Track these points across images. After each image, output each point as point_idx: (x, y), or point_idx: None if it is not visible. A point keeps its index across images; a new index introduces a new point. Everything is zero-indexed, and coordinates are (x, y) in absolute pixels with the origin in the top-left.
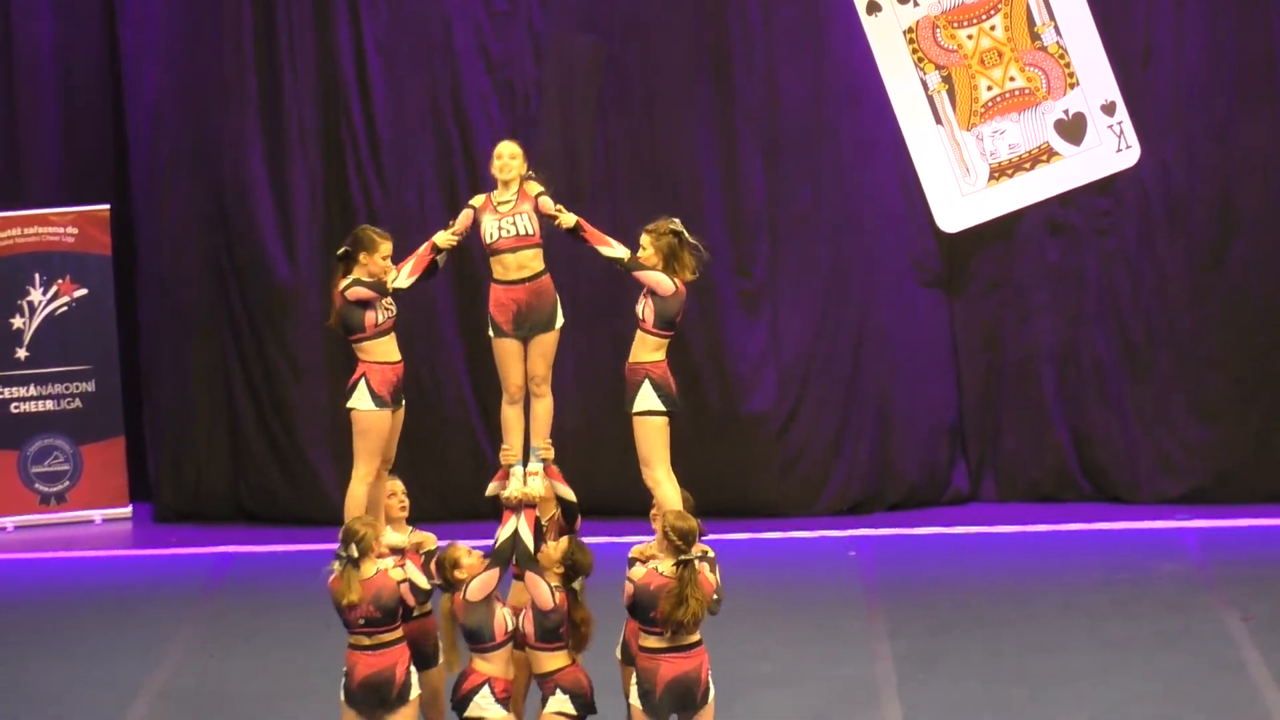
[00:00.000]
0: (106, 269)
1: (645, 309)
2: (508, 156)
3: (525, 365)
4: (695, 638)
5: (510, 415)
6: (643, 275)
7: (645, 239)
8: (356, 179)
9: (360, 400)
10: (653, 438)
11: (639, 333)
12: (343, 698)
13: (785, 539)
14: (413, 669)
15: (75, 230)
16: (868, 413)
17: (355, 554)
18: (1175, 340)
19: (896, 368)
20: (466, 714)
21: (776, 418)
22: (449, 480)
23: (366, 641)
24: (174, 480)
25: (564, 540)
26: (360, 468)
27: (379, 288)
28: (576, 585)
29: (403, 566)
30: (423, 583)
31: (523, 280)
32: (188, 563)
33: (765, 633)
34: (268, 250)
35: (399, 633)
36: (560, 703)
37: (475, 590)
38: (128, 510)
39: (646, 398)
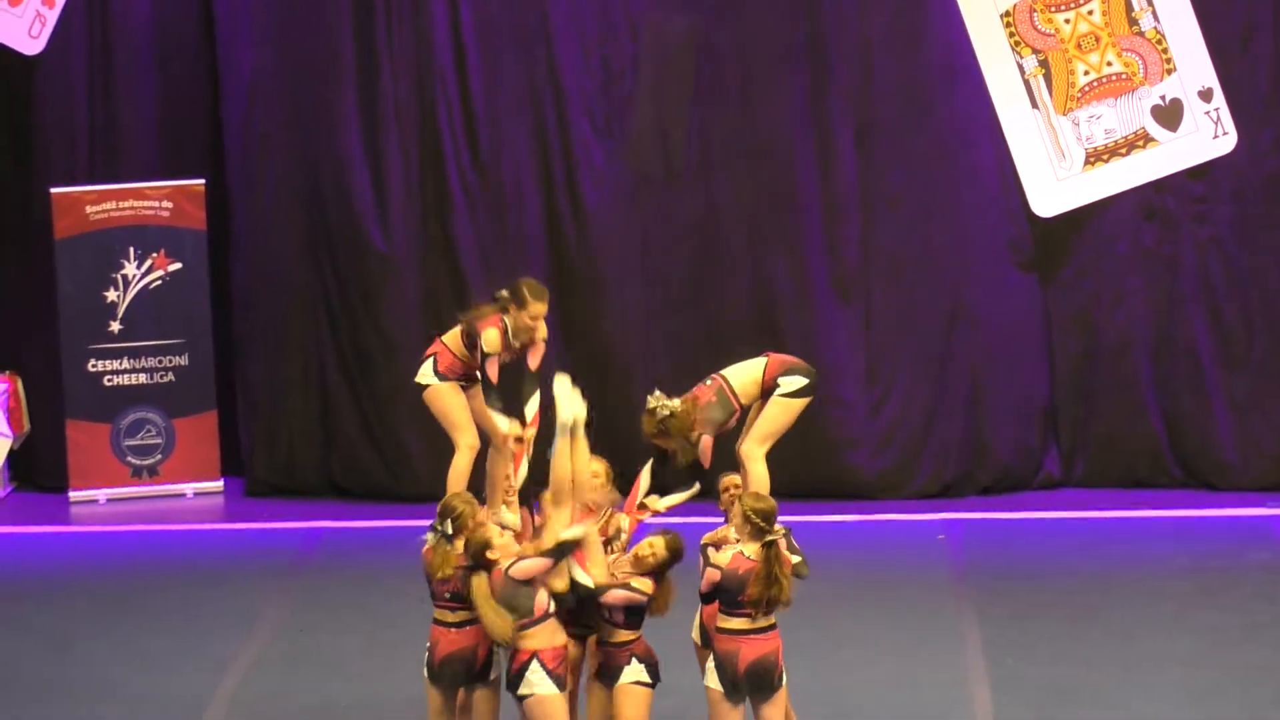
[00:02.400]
0: (201, 243)
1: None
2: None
3: None
4: (772, 620)
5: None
6: (703, 456)
7: (659, 441)
8: (452, 157)
9: (425, 376)
10: (783, 418)
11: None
12: (425, 675)
13: (875, 521)
14: (496, 648)
15: (170, 205)
16: (959, 396)
17: (450, 530)
18: (1270, 327)
19: (989, 351)
20: (519, 691)
21: (868, 400)
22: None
23: (451, 618)
24: (266, 454)
25: (660, 544)
26: (459, 440)
27: (484, 388)
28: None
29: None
30: (585, 580)
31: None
32: (279, 537)
33: (853, 615)
34: (362, 227)
35: None
36: (637, 671)
37: (523, 571)
38: (219, 484)
39: (790, 382)
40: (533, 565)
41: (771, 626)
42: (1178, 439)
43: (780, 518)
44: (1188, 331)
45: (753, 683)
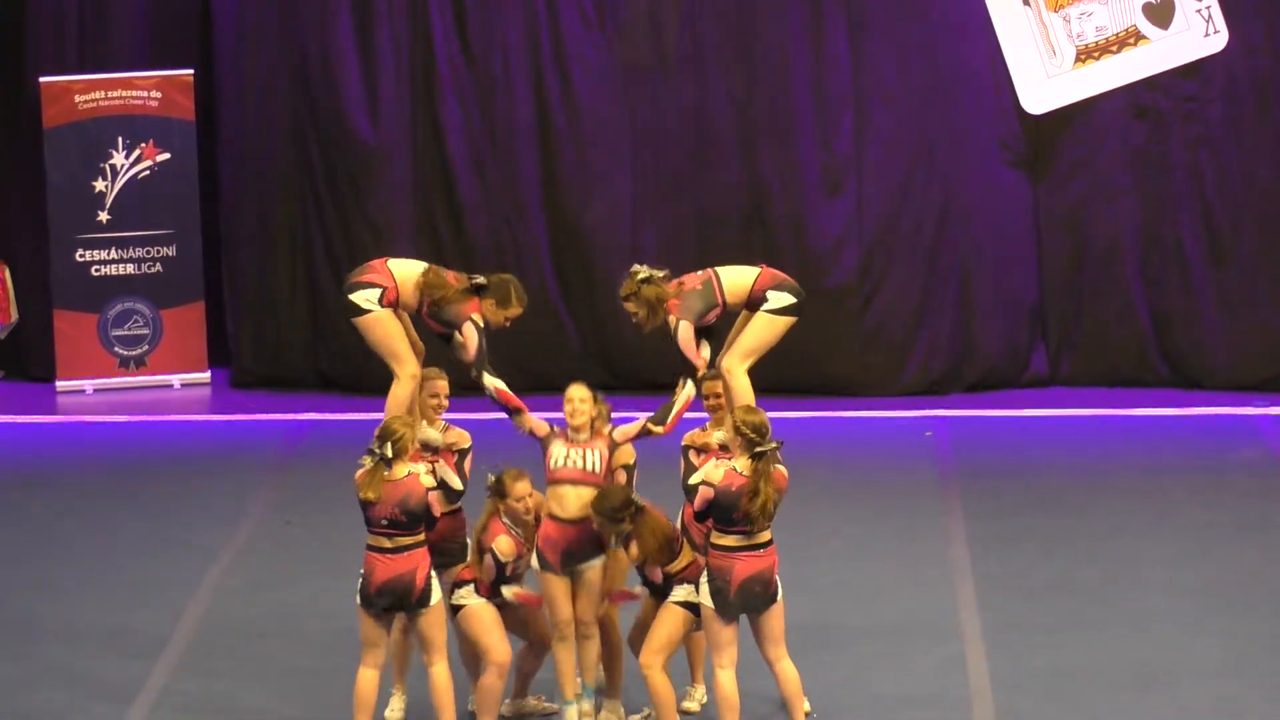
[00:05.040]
0: (190, 134)
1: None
2: (578, 401)
3: (573, 603)
4: (767, 536)
5: (561, 654)
6: (683, 346)
7: (629, 306)
8: (443, 47)
9: (367, 301)
10: (766, 333)
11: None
12: (358, 601)
13: (862, 417)
14: (434, 574)
15: (159, 95)
16: (949, 292)
17: (390, 454)
18: (1259, 225)
19: (979, 248)
20: (452, 602)
21: (858, 294)
22: (527, 351)
23: (386, 544)
24: (253, 346)
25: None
26: (399, 371)
27: (475, 361)
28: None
29: (433, 473)
30: (455, 483)
31: (578, 521)
32: (265, 428)
33: (839, 510)
34: (351, 117)
35: (420, 537)
36: (688, 591)
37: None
38: (206, 375)
39: (777, 299)
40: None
41: (769, 543)
42: (1165, 337)
43: (769, 413)
44: (1177, 230)
45: (747, 600)
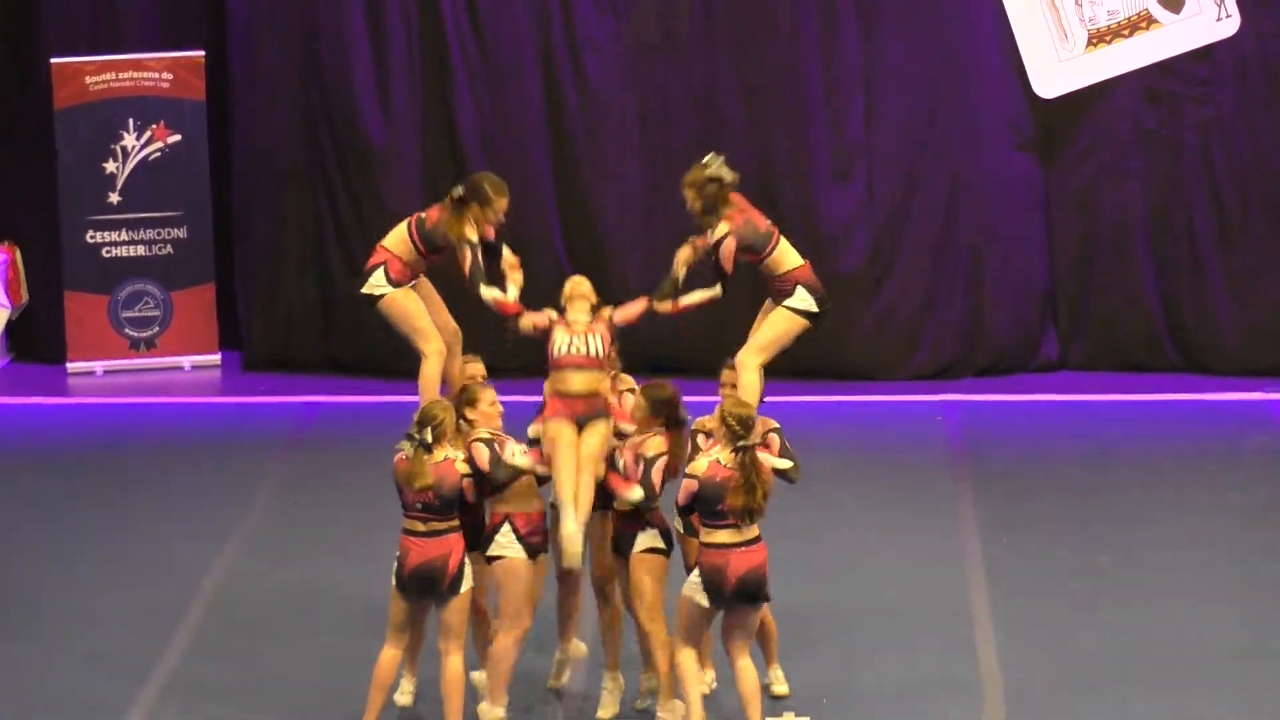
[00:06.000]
0: (200, 115)
1: (726, 254)
2: (577, 282)
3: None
4: (756, 532)
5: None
6: (723, 254)
7: (687, 194)
8: (453, 30)
9: (378, 285)
10: (783, 329)
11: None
12: (393, 584)
13: (872, 401)
14: (466, 561)
15: (170, 76)
16: (959, 276)
17: (430, 439)
18: (1270, 210)
19: (989, 232)
20: (489, 553)
21: (868, 278)
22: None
23: (421, 528)
24: (263, 328)
25: (637, 394)
26: (424, 348)
27: (472, 275)
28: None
29: (469, 460)
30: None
31: (584, 395)
32: (276, 411)
33: (849, 495)
34: (361, 100)
35: (454, 522)
36: (650, 538)
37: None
38: (217, 358)
39: (801, 299)
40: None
41: (758, 539)
42: (1176, 322)
43: (778, 399)
44: (1188, 214)
45: (741, 596)
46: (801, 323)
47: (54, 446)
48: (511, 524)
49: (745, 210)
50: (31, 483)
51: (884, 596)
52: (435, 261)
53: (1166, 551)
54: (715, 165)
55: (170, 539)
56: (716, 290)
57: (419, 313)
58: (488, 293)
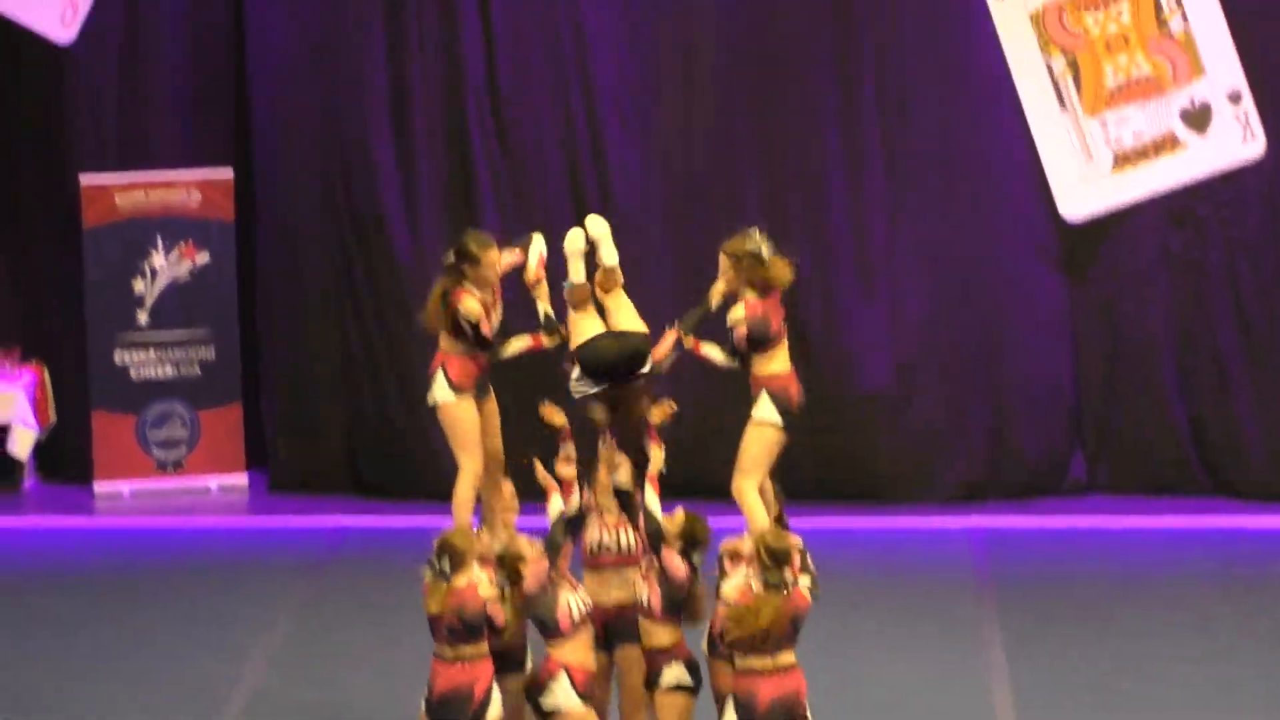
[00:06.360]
0: (229, 234)
1: (737, 338)
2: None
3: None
4: (790, 659)
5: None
6: (746, 323)
7: (722, 261)
8: (480, 144)
9: (440, 392)
10: (757, 448)
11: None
12: (422, 709)
13: (899, 523)
14: (494, 687)
15: (199, 195)
16: (984, 397)
17: (447, 568)
18: None
19: (1015, 353)
20: (544, 703)
21: (892, 399)
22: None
23: (449, 653)
24: (290, 449)
25: (679, 512)
26: (464, 463)
27: (487, 348)
28: (695, 559)
29: (494, 582)
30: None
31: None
32: (302, 532)
33: (876, 618)
34: (388, 218)
35: (482, 648)
36: (677, 673)
37: (530, 583)
38: (243, 478)
39: (763, 407)
40: (532, 573)
41: (792, 665)
42: (1204, 444)
43: (803, 519)
44: (1214, 336)
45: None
46: (773, 435)
47: (80, 567)
48: (569, 675)
49: (767, 305)
50: (58, 603)
51: (909, 719)
52: (485, 352)
53: (1194, 676)
54: (757, 239)
55: (195, 659)
56: (734, 362)
57: (470, 427)
58: (516, 346)
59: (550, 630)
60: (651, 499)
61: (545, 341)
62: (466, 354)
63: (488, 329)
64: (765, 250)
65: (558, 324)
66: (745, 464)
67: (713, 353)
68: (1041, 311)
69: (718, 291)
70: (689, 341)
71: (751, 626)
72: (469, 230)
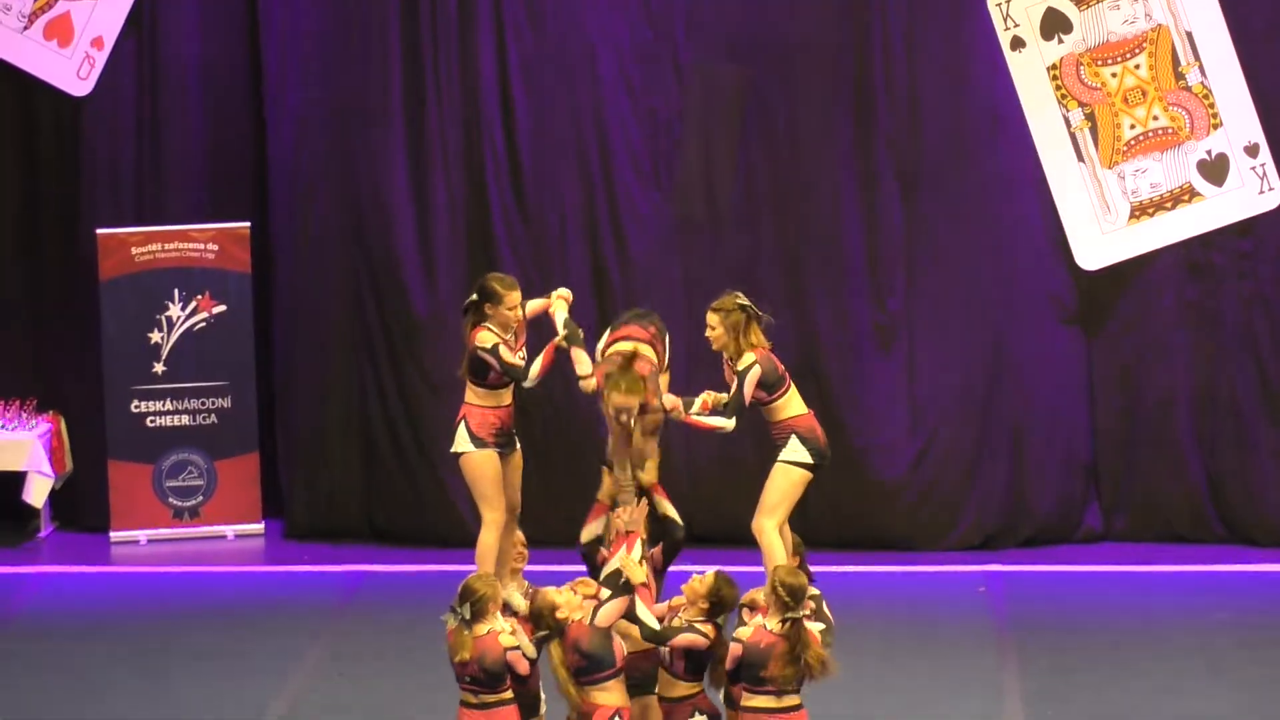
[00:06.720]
0: (245, 286)
1: (749, 385)
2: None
3: None
4: (796, 700)
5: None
6: (747, 383)
7: (712, 318)
8: (497, 200)
9: (461, 443)
10: (784, 487)
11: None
12: None
13: (915, 573)
14: None
15: (216, 247)
16: (1001, 448)
17: (468, 615)
18: None
19: (1031, 404)
20: None
21: (909, 450)
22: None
23: (472, 700)
24: (307, 497)
25: (710, 574)
26: (485, 514)
27: (511, 372)
28: (720, 621)
29: (515, 632)
30: (532, 652)
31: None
32: (318, 580)
33: (892, 667)
34: (406, 270)
35: (507, 694)
36: None
37: (606, 617)
38: (260, 527)
39: (794, 449)
40: (613, 608)
41: (798, 706)
42: (1220, 494)
43: (819, 568)
44: (1231, 386)
45: None
46: (800, 475)
47: (97, 616)
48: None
49: (767, 347)
50: (74, 652)
51: None
52: (505, 395)
53: None
54: (744, 300)
55: (210, 710)
56: (730, 424)
57: (491, 479)
58: (535, 371)
59: (603, 669)
60: (643, 611)
61: (561, 343)
62: (487, 406)
63: (510, 351)
64: (753, 311)
65: (576, 325)
66: (769, 503)
67: (708, 419)
68: (1058, 362)
69: (720, 425)
70: (679, 415)
71: (795, 671)
72: (492, 272)
